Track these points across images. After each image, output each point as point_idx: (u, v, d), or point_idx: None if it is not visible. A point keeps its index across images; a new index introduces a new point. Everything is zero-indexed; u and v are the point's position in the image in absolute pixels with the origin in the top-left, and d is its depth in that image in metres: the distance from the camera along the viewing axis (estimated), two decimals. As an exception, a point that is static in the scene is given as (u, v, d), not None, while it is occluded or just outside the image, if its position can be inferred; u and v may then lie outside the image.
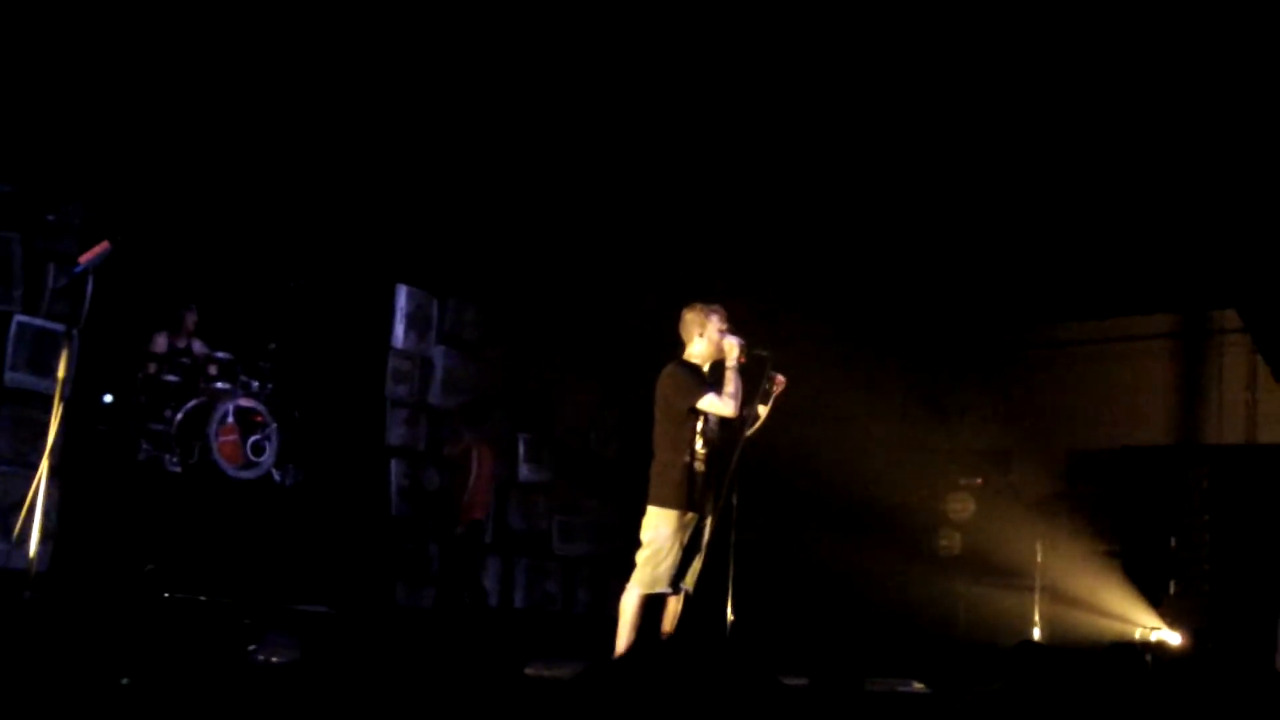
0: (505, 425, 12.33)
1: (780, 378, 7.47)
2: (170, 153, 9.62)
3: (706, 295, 7.66)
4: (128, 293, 9.26)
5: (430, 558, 11.39)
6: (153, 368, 9.88)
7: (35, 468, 6.17)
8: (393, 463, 11.51)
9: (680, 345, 7.56)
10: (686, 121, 10.66)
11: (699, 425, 7.29)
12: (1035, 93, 10.04)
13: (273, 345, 10.29)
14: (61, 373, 6.28)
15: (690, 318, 7.51)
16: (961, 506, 12.20)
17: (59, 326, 8.85)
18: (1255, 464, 11.30)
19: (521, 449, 12.51)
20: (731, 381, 7.26)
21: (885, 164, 11.03)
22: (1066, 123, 10.25)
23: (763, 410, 7.49)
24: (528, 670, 7.21)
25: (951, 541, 12.19)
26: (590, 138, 10.76)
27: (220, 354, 10.09)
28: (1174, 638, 10.61)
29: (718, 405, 7.23)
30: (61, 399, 6.26)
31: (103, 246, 6.73)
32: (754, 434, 7.47)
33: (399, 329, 11.70)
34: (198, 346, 10.17)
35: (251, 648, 6.35)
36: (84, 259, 6.76)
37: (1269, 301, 11.10)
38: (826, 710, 6.49)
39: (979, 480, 12.28)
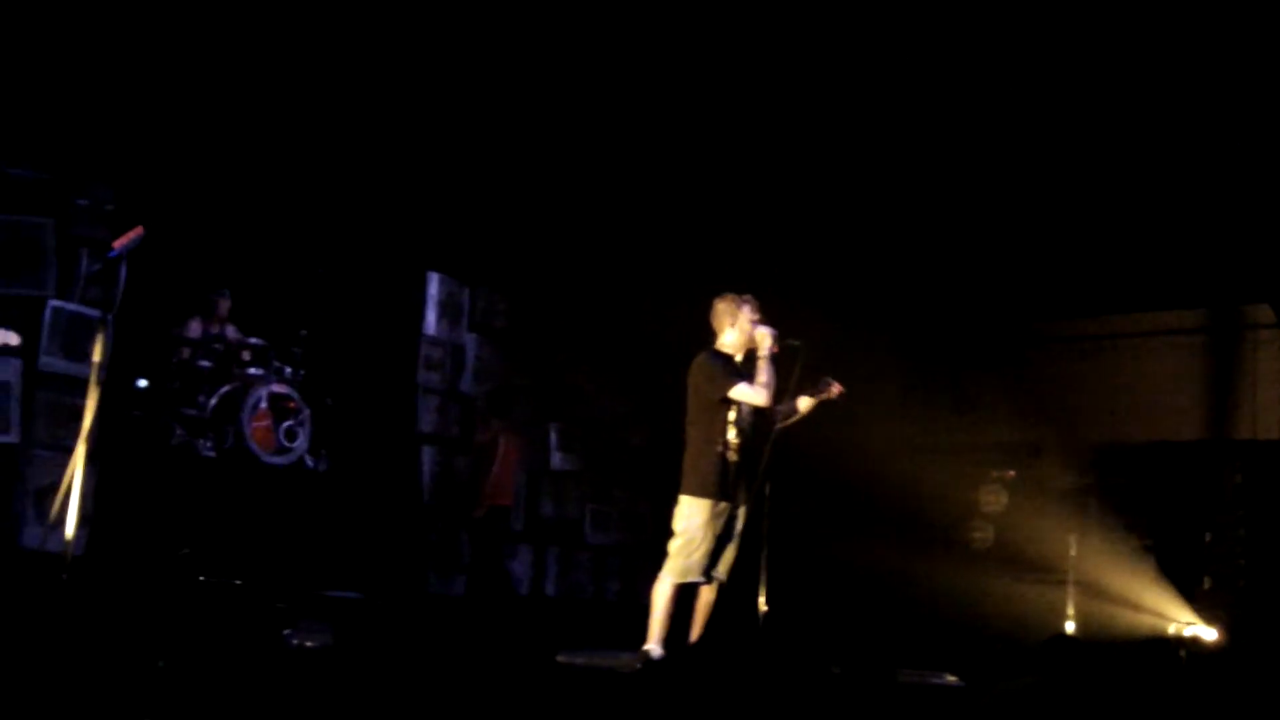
0: (536, 414, 12.33)
1: (838, 386, 7.47)
2: (202, 138, 9.65)
3: (737, 286, 7.66)
4: (161, 278, 9.28)
5: (461, 545, 11.40)
6: (186, 353, 9.92)
7: (71, 452, 6.17)
8: (424, 450, 11.52)
9: (712, 335, 7.57)
10: (713, 115, 10.66)
11: (731, 415, 7.29)
12: (1068, 80, 10.01)
13: (305, 332, 10.31)
14: (96, 358, 6.29)
15: (722, 308, 7.51)
16: (994, 499, 12.16)
17: (93, 312, 8.88)
18: (1289, 459, 11.26)
19: (553, 438, 12.51)
20: (764, 371, 7.26)
21: (913, 156, 11.00)
22: (1100, 112, 10.21)
23: (805, 405, 7.49)
24: (559, 658, 7.22)
25: (984, 534, 12.15)
26: (620, 130, 10.77)
27: (254, 340, 10.12)
28: (1208, 633, 10.56)
29: (750, 394, 7.23)
30: (97, 384, 6.27)
31: (136, 232, 6.73)
32: (789, 426, 7.46)
33: (431, 316, 11.70)
34: (231, 332, 10.20)
35: (285, 632, 6.37)
36: (118, 244, 6.76)
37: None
38: (859, 701, 6.48)
39: (1011, 473, 12.24)
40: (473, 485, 11.08)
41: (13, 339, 7.19)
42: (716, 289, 7.66)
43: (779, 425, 7.37)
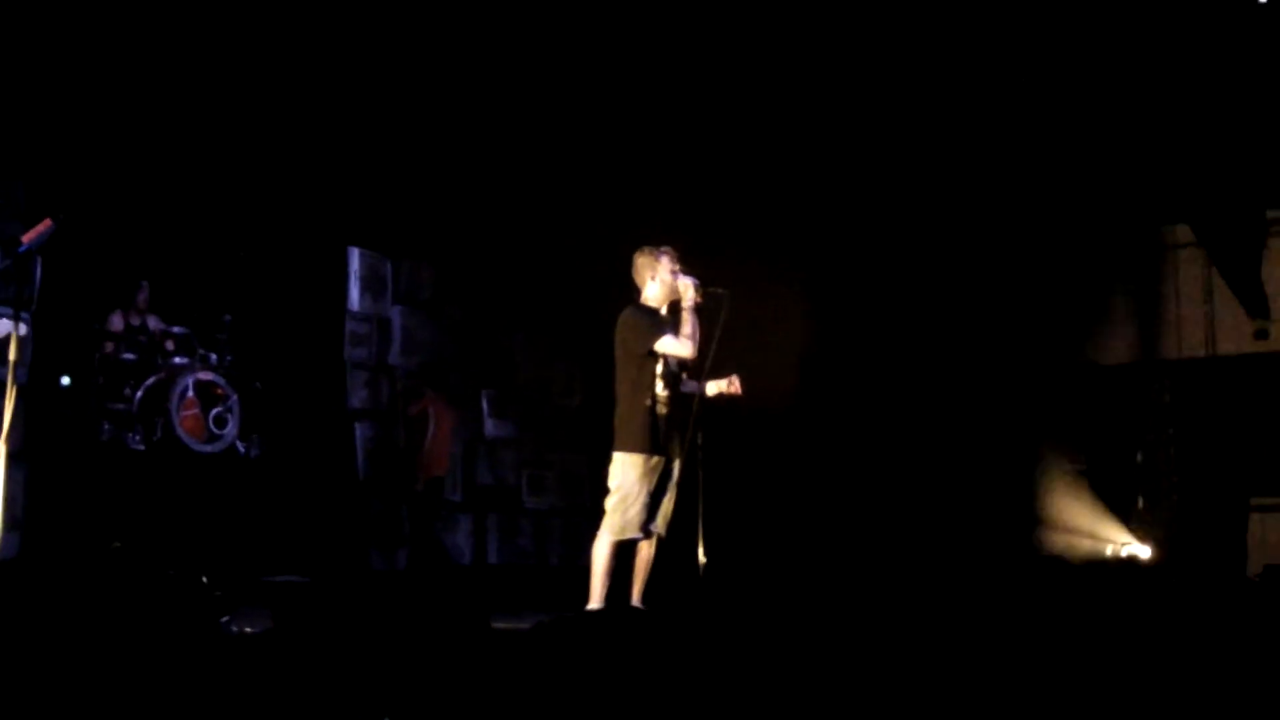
0: (467, 382, 12.30)
1: (738, 386, 7.45)
2: (111, 125, 9.53)
3: (659, 237, 7.64)
4: (79, 272, 9.18)
5: (401, 519, 11.37)
6: (110, 347, 9.83)
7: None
8: (357, 426, 11.48)
9: (637, 291, 7.55)
10: (637, 69, 10.62)
11: (658, 368, 7.28)
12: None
13: (228, 317, 10.22)
14: (13, 356, 6.22)
15: (641, 261, 7.49)
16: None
17: (7, 310, 8.76)
18: (1216, 376, 11.36)
19: (485, 405, 12.49)
20: (688, 323, 7.25)
21: (838, 110, 11.00)
22: (1011, 44, 10.24)
23: (710, 390, 7.46)
24: (495, 625, 7.20)
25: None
26: (532, 86, 10.71)
27: (176, 329, 10.02)
28: (1144, 551, 10.68)
29: (675, 347, 7.22)
30: (15, 384, 6.20)
31: (45, 225, 6.66)
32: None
33: (354, 292, 11.65)
34: (153, 323, 10.10)
35: (224, 619, 6.32)
36: (27, 239, 6.69)
37: (1221, 212, 11.13)
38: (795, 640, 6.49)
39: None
40: (409, 459, 11.06)
41: (21, 329, 7.14)
42: (641, 241, 7.65)
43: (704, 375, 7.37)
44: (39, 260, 7.63)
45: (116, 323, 9.98)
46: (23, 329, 7.10)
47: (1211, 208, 11.18)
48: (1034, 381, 12.18)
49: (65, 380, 9.56)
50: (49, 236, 6.66)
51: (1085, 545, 10.80)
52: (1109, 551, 10.74)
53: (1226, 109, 10.30)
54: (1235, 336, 11.68)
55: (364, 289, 11.72)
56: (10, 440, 6.45)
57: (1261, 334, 11.13)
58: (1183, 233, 11.98)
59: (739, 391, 7.47)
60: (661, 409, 7.29)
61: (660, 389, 7.29)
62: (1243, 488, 10.36)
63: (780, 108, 11.16)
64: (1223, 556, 9.95)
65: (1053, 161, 11.32)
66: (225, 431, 9.82)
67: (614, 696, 4.42)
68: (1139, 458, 11.15)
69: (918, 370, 11.87)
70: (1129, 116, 10.67)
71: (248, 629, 6.17)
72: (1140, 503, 10.98)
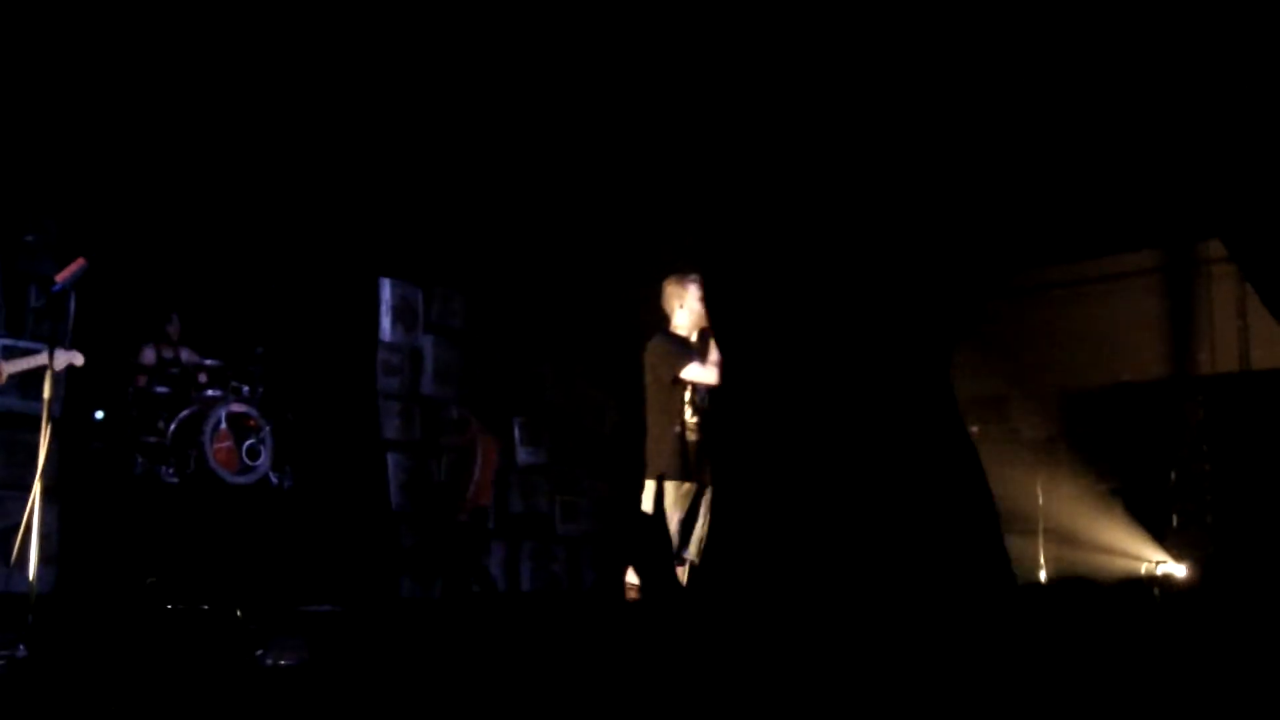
0: (500, 410, 12.32)
1: None
2: (141, 160, 9.59)
3: (688, 265, 7.67)
4: (111, 308, 9.25)
5: (435, 549, 11.38)
6: (142, 380, 9.87)
7: (29, 490, 6.17)
8: (390, 456, 11.50)
9: (665, 318, 7.60)
10: (656, 97, 10.63)
11: (687, 395, 7.31)
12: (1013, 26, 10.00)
13: (261, 349, 10.26)
14: (48, 393, 6.28)
15: (670, 290, 7.54)
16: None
17: (42, 347, 8.83)
18: (1251, 390, 11.29)
19: (517, 432, 12.50)
20: (715, 350, 7.27)
21: (848, 110, 10.95)
22: (1045, 58, 10.20)
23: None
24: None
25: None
26: (562, 116, 10.74)
27: (209, 361, 10.07)
28: (1180, 570, 10.62)
29: (701, 374, 7.25)
30: (49, 419, 6.25)
31: (79, 264, 6.75)
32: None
33: (385, 322, 11.69)
34: (186, 355, 10.14)
35: (259, 652, 6.35)
36: (61, 277, 6.77)
37: (1253, 227, 11.08)
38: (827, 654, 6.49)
39: (974, 429, 12.25)
40: (453, 488, 11.07)
41: (77, 359, 7.25)
42: (672, 269, 7.69)
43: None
44: (73, 297, 7.73)
45: (149, 356, 10.03)
46: (78, 358, 7.19)
47: (1244, 222, 11.13)
48: (1063, 397, 12.16)
49: (99, 414, 9.61)
50: (82, 275, 6.73)
51: (1120, 564, 10.74)
52: (1144, 570, 10.68)
53: (1259, 120, 10.26)
54: (1270, 350, 11.62)
55: (396, 319, 11.76)
56: (45, 475, 6.53)
57: None
58: (1215, 248, 11.93)
59: None
60: (691, 435, 7.33)
61: (689, 415, 7.32)
62: (1278, 504, 10.28)
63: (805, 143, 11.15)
64: (1259, 574, 9.88)
65: (1080, 175, 11.30)
66: (258, 463, 9.85)
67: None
68: (1173, 476, 11.08)
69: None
70: (1155, 128, 10.64)
71: (283, 661, 6.20)
72: (1175, 521, 10.91)
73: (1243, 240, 10.72)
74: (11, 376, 7.28)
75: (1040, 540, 10.90)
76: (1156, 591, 9.65)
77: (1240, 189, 10.18)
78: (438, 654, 6.72)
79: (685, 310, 7.52)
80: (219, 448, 9.61)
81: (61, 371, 7.92)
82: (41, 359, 7.08)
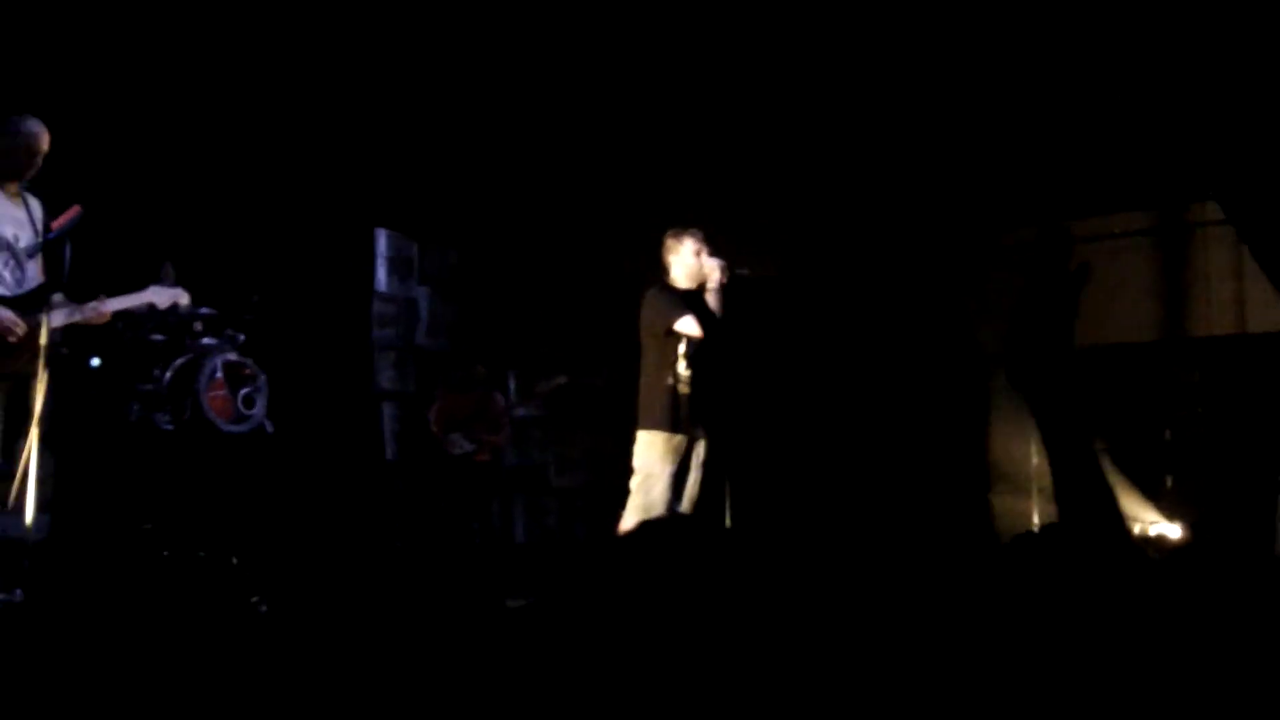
0: (495, 362, 12.33)
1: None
2: (134, 107, 9.55)
3: (688, 217, 7.69)
4: (106, 255, 9.21)
5: (430, 498, 11.39)
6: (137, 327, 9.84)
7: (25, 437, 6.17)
8: (384, 406, 11.52)
9: (665, 271, 7.61)
10: (652, 46, 10.61)
11: (680, 348, 7.33)
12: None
13: (255, 297, 10.24)
14: (43, 340, 6.26)
15: (668, 243, 7.57)
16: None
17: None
18: (1247, 353, 11.30)
19: (512, 385, 12.50)
20: (711, 303, 7.30)
21: (851, 66, 10.94)
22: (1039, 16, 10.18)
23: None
24: (509, 604, 7.28)
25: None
26: (558, 66, 10.71)
27: (204, 310, 10.03)
28: (1173, 530, 10.65)
29: (694, 327, 7.28)
30: (45, 366, 6.25)
31: (74, 211, 6.74)
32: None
33: (381, 273, 11.69)
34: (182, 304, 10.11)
35: (254, 599, 6.38)
36: (55, 225, 6.76)
37: (1250, 190, 11.06)
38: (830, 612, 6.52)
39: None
40: (473, 430, 11.07)
41: (183, 298, 7.27)
42: (672, 221, 7.71)
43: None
44: (68, 245, 7.70)
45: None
46: (184, 297, 7.19)
47: (1240, 184, 11.12)
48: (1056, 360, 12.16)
49: (95, 361, 9.60)
50: (77, 222, 6.72)
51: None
52: (1137, 530, 10.71)
53: (1254, 83, 10.23)
54: (1266, 313, 11.62)
55: (391, 270, 11.76)
56: (42, 423, 6.53)
57: None
58: (1210, 210, 11.91)
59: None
60: (684, 388, 7.36)
61: (682, 368, 7.34)
62: (1273, 466, 10.30)
63: (811, 91, 11.15)
64: (1252, 535, 9.91)
65: (1075, 137, 11.29)
66: (253, 411, 9.84)
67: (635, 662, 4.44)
68: (1167, 436, 11.10)
69: (938, 345, 11.88)
70: (1150, 91, 10.61)
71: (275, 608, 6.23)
72: (1169, 482, 10.94)
73: (1239, 203, 10.74)
74: (116, 315, 7.26)
75: (1034, 499, 10.93)
76: (1151, 552, 9.69)
77: (1237, 151, 10.19)
78: (421, 603, 6.76)
79: (681, 263, 7.54)
80: (214, 396, 9.59)
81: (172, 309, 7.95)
82: (146, 297, 7.11)
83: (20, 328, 6.57)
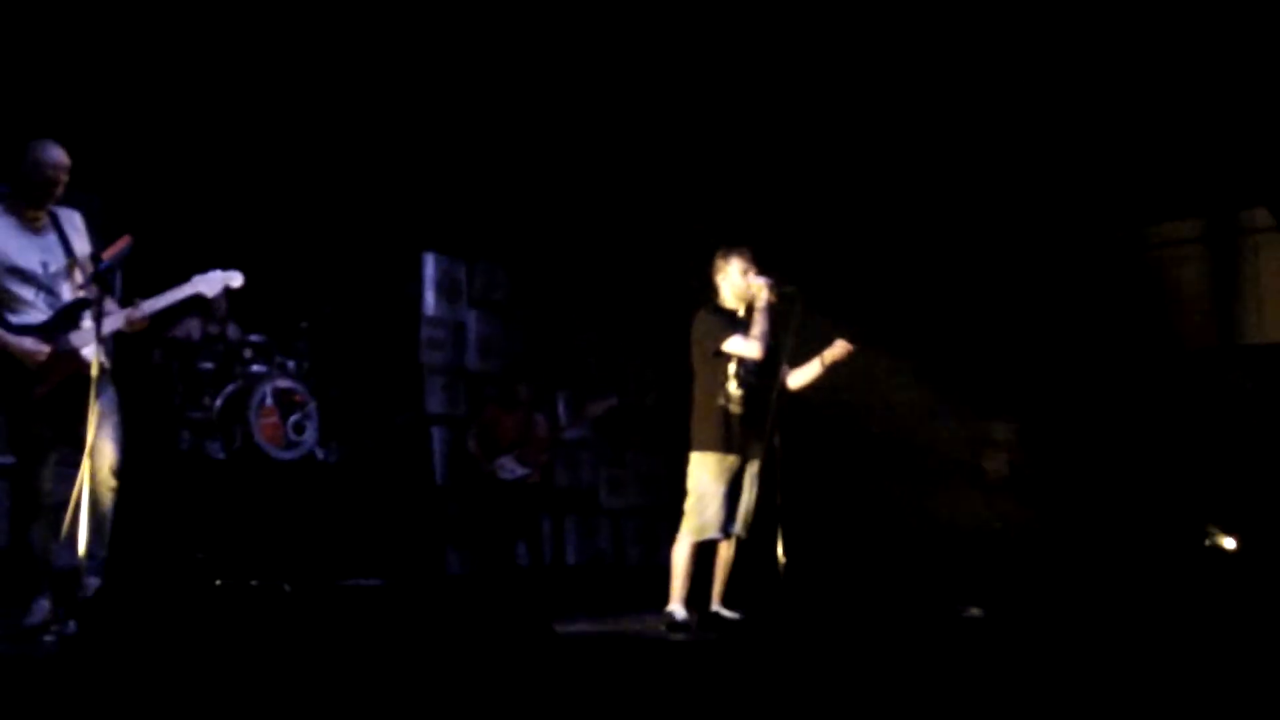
0: (545, 383, 12.33)
1: (842, 343, 7.51)
2: (184, 136, 9.60)
3: (735, 237, 7.69)
4: (155, 284, 9.25)
5: (480, 522, 11.38)
6: (188, 356, 9.89)
7: (78, 467, 6.18)
8: (434, 430, 11.54)
9: (715, 291, 7.63)
10: (704, 66, 10.61)
11: (731, 368, 7.33)
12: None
13: (305, 324, 10.28)
14: (94, 372, 6.28)
15: (717, 263, 7.57)
16: (1005, 427, 12.11)
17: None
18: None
19: (561, 406, 12.50)
20: (758, 322, 7.29)
21: (899, 83, 10.91)
22: (1089, 30, 10.13)
23: (812, 369, 7.53)
24: (557, 629, 7.25)
25: (998, 464, 12.09)
26: (607, 85, 10.72)
27: (254, 337, 10.08)
28: (1229, 541, 10.55)
29: (742, 347, 7.27)
30: (97, 396, 6.26)
31: (125, 241, 6.75)
32: (804, 387, 7.52)
33: (429, 297, 11.71)
34: (232, 331, 10.16)
35: (308, 626, 6.36)
36: (107, 255, 6.77)
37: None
38: (881, 642, 6.49)
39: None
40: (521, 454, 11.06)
41: (235, 280, 7.15)
42: (720, 241, 7.72)
43: (785, 374, 7.39)
44: (119, 276, 7.73)
45: (195, 331, 10.04)
46: (236, 279, 7.13)
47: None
48: (1112, 369, 12.07)
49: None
50: (128, 253, 6.73)
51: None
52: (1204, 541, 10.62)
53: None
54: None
55: (439, 293, 11.78)
56: (109, 453, 6.56)
57: None
58: (1261, 216, 11.84)
59: (847, 350, 7.52)
60: (735, 409, 7.34)
61: (734, 388, 7.33)
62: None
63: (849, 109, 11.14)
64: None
65: (1131, 146, 11.23)
66: (304, 438, 9.87)
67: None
68: (1221, 445, 11.00)
69: (990, 360, 11.81)
70: (1203, 99, 10.55)
71: (326, 635, 6.21)
72: (1223, 491, 10.83)
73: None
74: (156, 317, 7.15)
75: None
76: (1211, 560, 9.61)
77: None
78: (471, 627, 6.74)
79: (729, 283, 7.53)
80: (265, 423, 9.63)
81: (220, 296, 7.81)
82: (190, 288, 7.01)
83: (41, 354, 6.56)
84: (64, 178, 6.75)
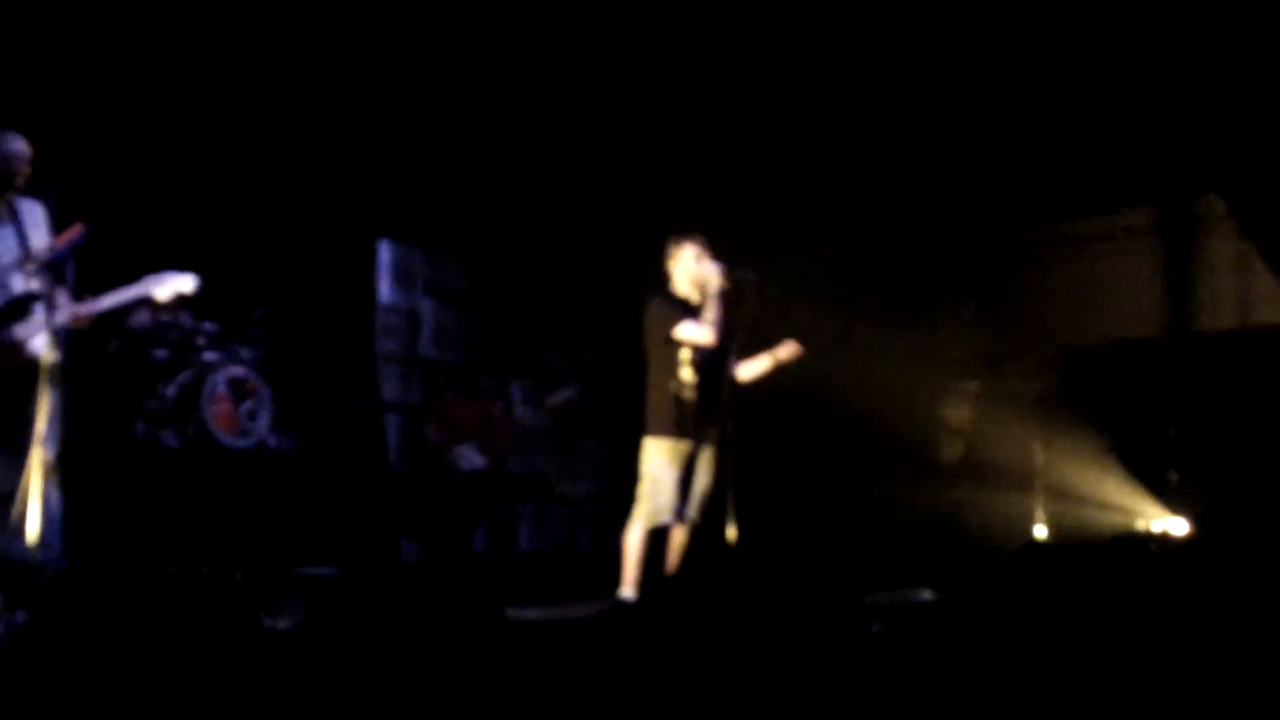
0: (500, 371, 12.33)
1: (793, 344, 7.57)
2: (136, 124, 9.55)
3: (688, 226, 7.72)
4: (109, 272, 9.21)
5: (436, 511, 11.38)
6: (140, 344, 9.85)
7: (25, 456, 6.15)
8: (388, 418, 11.52)
9: (668, 278, 7.66)
10: (656, 57, 10.62)
11: (683, 355, 7.35)
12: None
13: (260, 312, 10.25)
14: (46, 359, 6.26)
15: (669, 251, 7.59)
16: (958, 412, 12.19)
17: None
18: (1251, 347, 11.30)
19: (518, 394, 12.50)
20: (710, 309, 7.32)
21: (855, 66, 10.94)
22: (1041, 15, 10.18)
23: (763, 366, 7.59)
24: (509, 613, 7.29)
25: (952, 448, 12.17)
26: (560, 74, 10.72)
27: (208, 325, 10.04)
28: (1178, 526, 10.64)
29: (694, 334, 7.31)
30: (48, 384, 6.24)
31: (76, 229, 6.72)
32: (753, 380, 7.56)
33: (384, 284, 11.69)
34: (185, 319, 10.11)
35: (260, 615, 6.36)
36: (59, 244, 6.74)
37: (1253, 184, 11.06)
38: (833, 626, 6.54)
39: (974, 384, 12.25)
40: (489, 437, 11.05)
41: (186, 285, 7.06)
42: (673, 228, 7.74)
43: (733, 362, 7.42)
44: (73, 267, 7.69)
45: (147, 320, 9.99)
46: (187, 284, 7.01)
47: (1244, 178, 11.12)
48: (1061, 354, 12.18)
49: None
50: (80, 242, 6.70)
51: (1117, 520, 10.76)
52: (1141, 526, 10.70)
53: (1257, 76, 10.23)
54: (1270, 307, 11.62)
55: (394, 281, 11.77)
56: (48, 446, 6.52)
57: None
58: (1214, 204, 11.92)
59: (795, 353, 7.58)
60: (688, 394, 7.37)
61: (686, 375, 7.37)
62: (1277, 460, 10.29)
63: (810, 92, 11.16)
64: (1257, 530, 9.91)
65: (1075, 134, 11.29)
66: (256, 426, 9.85)
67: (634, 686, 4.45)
68: (1172, 432, 11.09)
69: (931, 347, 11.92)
70: (1154, 86, 10.61)
71: (281, 624, 6.22)
72: (1173, 478, 10.92)
73: (1242, 197, 10.73)
74: (104, 315, 7.05)
75: (1039, 497, 10.91)
76: (1154, 547, 9.69)
77: (1240, 146, 10.18)
78: (425, 615, 6.76)
79: (681, 271, 7.56)
80: (218, 411, 9.60)
81: (175, 300, 7.72)
82: (141, 289, 6.91)
83: None
84: (25, 169, 6.71)
